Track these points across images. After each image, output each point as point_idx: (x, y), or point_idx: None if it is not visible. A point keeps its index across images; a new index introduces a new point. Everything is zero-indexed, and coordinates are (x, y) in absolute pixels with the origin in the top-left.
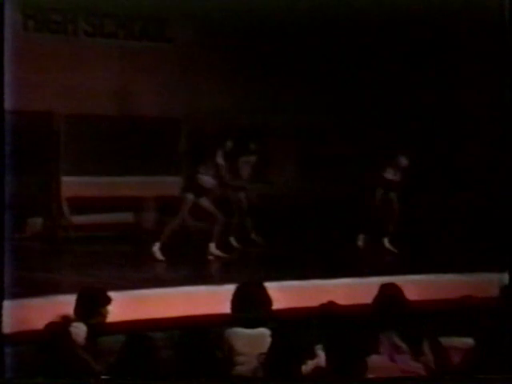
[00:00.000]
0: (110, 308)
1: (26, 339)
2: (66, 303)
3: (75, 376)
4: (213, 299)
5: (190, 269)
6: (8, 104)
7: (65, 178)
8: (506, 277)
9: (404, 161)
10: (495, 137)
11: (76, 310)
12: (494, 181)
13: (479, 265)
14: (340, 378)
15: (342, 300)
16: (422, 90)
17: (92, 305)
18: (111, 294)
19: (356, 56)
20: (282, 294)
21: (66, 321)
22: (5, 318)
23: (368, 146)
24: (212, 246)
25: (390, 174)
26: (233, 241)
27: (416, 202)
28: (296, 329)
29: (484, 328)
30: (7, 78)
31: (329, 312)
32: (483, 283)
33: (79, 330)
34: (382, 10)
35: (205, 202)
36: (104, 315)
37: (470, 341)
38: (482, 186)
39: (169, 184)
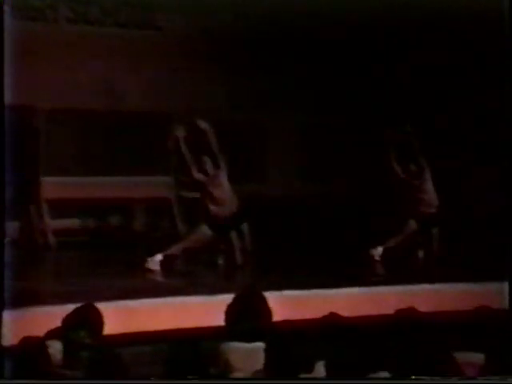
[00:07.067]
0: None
1: None
2: (44, 315)
3: None
4: (206, 310)
5: (183, 278)
6: None
7: (45, 178)
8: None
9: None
10: (498, 141)
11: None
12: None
13: (493, 274)
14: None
15: (345, 311)
16: (420, 90)
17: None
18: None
19: (357, 54)
20: (281, 304)
21: (42, 338)
22: None
23: (370, 143)
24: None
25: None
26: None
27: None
28: (295, 343)
29: (498, 340)
30: None
31: (331, 324)
32: (497, 293)
33: (55, 348)
34: (381, 9)
35: None
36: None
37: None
38: (496, 190)
39: (160, 184)
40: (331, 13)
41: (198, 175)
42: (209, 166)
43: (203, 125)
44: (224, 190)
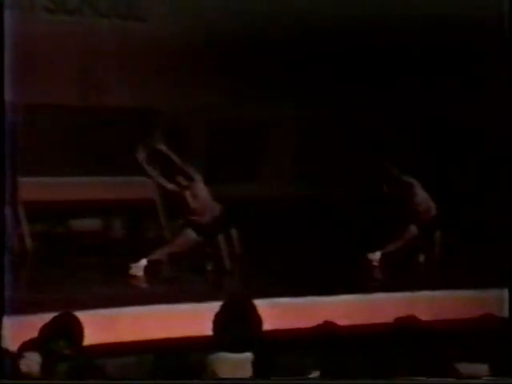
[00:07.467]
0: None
1: None
2: (20, 325)
3: None
4: (193, 319)
5: (168, 284)
6: None
7: (22, 179)
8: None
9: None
10: (498, 145)
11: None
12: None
13: (497, 280)
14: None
15: (341, 319)
16: (419, 92)
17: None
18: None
19: (357, 55)
20: (272, 312)
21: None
22: None
23: (369, 146)
24: None
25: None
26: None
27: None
28: (286, 353)
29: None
30: None
31: (326, 333)
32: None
33: (32, 360)
34: (380, 9)
35: None
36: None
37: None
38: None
39: (143, 185)
40: (331, 9)
41: (170, 186)
42: (182, 181)
43: (161, 147)
44: (201, 200)
